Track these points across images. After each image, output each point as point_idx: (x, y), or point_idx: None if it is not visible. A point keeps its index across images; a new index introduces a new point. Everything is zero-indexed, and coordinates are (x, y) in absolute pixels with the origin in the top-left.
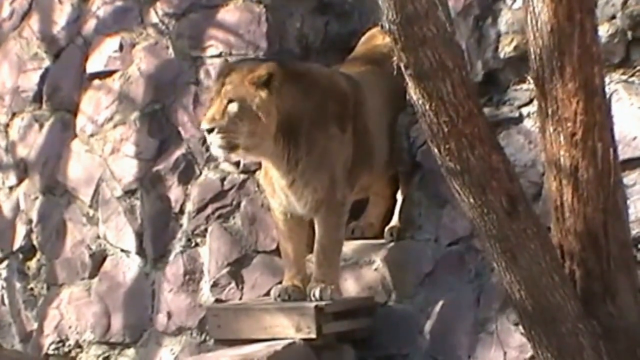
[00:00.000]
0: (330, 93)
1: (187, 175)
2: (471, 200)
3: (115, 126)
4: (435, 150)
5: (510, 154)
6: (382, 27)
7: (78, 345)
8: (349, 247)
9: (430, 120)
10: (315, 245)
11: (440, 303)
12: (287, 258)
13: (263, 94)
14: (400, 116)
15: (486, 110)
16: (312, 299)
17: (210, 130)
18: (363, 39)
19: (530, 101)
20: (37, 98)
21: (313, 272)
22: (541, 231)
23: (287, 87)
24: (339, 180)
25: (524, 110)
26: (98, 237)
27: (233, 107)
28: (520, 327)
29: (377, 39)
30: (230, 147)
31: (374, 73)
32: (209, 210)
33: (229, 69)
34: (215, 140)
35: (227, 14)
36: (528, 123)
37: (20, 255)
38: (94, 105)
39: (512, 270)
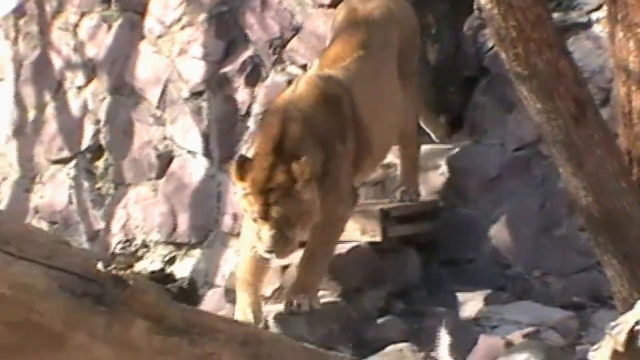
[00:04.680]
0: (329, 114)
1: (253, 77)
2: (538, 105)
3: (182, 28)
4: (503, 55)
5: (578, 59)
6: None
7: (144, 244)
8: None
9: (498, 24)
10: (305, 252)
11: (506, 208)
12: (243, 299)
13: (307, 192)
14: (468, 20)
15: (555, 15)
16: (291, 307)
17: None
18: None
19: (600, 6)
20: None
21: (296, 278)
22: (608, 137)
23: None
24: (343, 195)
25: (593, 16)
26: (165, 137)
27: (288, 226)
28: (587, 232)
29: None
30: (292, 250)
31: (363, 57)
32: None
33: (261, 181)
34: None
35: None
36: (597, 28)
37: (88, 155)
38: (162, 6)
39: (578, 176)
